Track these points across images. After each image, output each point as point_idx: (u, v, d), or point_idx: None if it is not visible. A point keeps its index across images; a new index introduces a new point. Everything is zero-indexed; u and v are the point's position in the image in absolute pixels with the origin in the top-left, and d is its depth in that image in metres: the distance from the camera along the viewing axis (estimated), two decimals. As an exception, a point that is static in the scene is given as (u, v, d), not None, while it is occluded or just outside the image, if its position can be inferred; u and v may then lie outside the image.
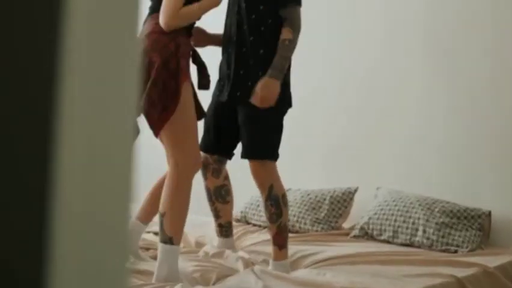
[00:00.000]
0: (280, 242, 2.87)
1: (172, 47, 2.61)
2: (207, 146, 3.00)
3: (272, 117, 2.85)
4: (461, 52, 3.69)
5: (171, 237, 2.57)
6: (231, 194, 3.17)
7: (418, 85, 3.82)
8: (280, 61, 2.70)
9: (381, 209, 3.51)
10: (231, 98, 2.86)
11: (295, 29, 2.73)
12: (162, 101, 2.57)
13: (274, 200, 2.85)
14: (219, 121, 2.97)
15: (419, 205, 3.41)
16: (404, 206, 3.44)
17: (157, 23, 2.68)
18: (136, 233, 2.88)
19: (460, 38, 3.71)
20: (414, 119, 3.83)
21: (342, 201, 3.73)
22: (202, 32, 3.02)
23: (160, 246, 2.60)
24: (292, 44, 2.71)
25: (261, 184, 2.87)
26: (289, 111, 2.99)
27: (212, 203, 3.13)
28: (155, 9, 2.76)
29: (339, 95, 4.10)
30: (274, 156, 2.87)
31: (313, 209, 3.68)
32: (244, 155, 2.87)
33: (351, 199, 3.75)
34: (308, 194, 3.78)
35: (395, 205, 3.48)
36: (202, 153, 2.92)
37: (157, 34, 2.65)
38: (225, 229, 3.16)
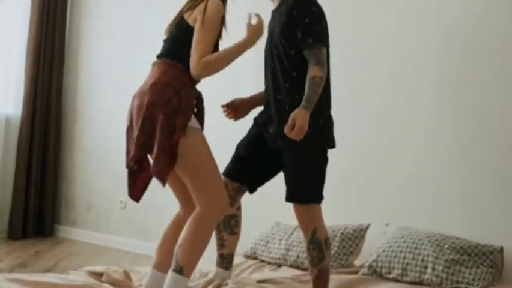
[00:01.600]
0: (320, 285, 2.86)
1: (176, 103, 2.56)
2: (232, 172, 2.98)
3: (319, 164, 2.83)
4: (469, 86, 3.66)
5: (182, 267, 2.54)
6: (240, 226, 3.12)
7: (427, 116, 3.79)
8: (313, 96, 2.64)
9: (390, 246, 3.42)
10: (271, 137, 2.86)
11: (323, 67, 2.69)
12: (160, 154, 2.54)
13: (317, 243, 2.83)
14: (251, 153, 2.96)
15: (428, 241, 3.32)
16: (413, 243, 3.35)
17: (164, 72, 2.62)
18: (154, 284, 2.74)
19: (469, 68, 3.65)
20: (424, 152, 3.77)
21: (353, 238, 3.66)
22: (241, 102, 3.06)
23: (170, 273, 2.57)
24: (322, 81, 2.67)
25: (305, 228, 2.84)
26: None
27: (219, 231, 3.08)
28: (165, 53, 2.71)
29: (348, 131, 4.07)
30: (319, 199, 2.84)
31: (323, 245, 3.63)
32: (289, 199, 2.83)
33: (363, 236, 3.68)
34: (318, 231, 3.72)
35: (404, 241, 3.39)
36: (222, 177, 2.87)
37: (160, 85, 2.59)
38: (226, 260, 3.11)
